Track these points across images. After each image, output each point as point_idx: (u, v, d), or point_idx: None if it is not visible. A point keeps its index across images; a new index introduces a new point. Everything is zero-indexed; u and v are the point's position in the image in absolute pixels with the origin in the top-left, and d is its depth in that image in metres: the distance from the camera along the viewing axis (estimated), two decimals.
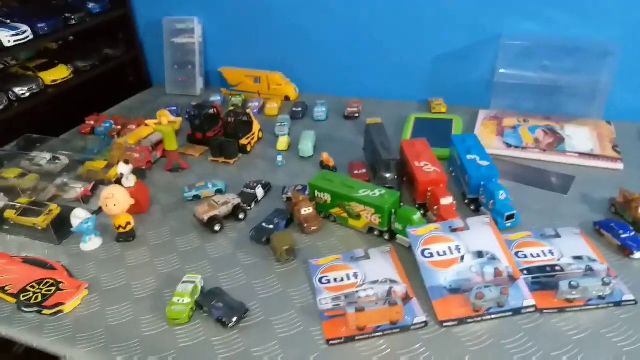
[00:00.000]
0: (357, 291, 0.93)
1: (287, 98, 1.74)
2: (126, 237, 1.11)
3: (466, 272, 0.92)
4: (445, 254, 0.96)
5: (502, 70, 1.46)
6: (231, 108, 1.49)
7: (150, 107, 1.80)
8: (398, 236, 1.04)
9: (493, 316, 0.87)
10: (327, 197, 1.11)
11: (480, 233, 0.99)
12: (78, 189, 1.25)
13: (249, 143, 1.43)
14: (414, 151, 1.20)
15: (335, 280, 0.96)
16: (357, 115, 1.59)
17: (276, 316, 0.90)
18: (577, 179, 1.21)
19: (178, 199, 1.25)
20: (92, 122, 1.65)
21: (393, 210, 1.03)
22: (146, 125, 1.38)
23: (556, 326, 0.84)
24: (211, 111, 1.48)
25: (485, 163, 1.14)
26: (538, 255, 0.97)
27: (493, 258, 0.94)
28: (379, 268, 0.98)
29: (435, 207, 1.06)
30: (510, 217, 1.05)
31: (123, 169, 1.13)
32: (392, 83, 1.68)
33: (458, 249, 0.96)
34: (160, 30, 1.85)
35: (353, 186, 1.09)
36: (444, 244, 0.97)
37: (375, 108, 1.62)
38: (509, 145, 1.34)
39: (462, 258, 0.95)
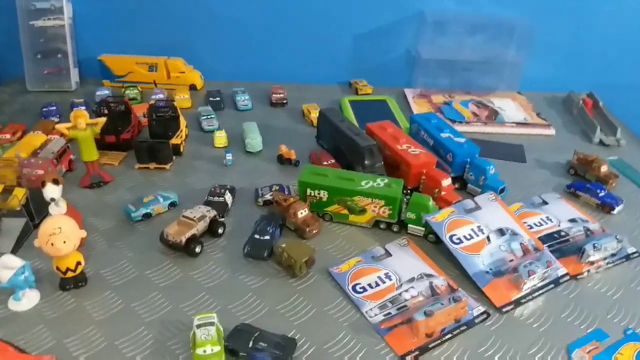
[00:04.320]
0: (399, 294, 0.83)
1: (192, 87, 1.51)
2: (76, 282, 0.82)
3: (497, 252, 0.90)
4: (471, 237, 0.91)
5: (424, 47, 1.47)
6: (151, 102, 1.21)
7: (8, 109, 1.38)
8: (410, 226, 0.96)
9: (541, 292, 0.85)
10: (323, 194, 0.97)
11: (492, 210, 0.97)
12: None
13: (182, 142, 1.19)
14: (387, 134, 1.13)
15: (370, 286, 0.85)
16: (285, 101, 1.44)
17: (328, 342, 0.75)
18: (525, 147, 1.28)
19: (119, 221, 0.97)
20: None
21: (405, 199, 0.95)
22: (54, 130, 1.04)
23: (594, 289, 0.87)
24: (122, 107, 1.19)
25: (461, 140, 1.12)
26: (541, 224, 1.00)
27: (514, 233, 0.93)
28: (407, 264, 0.89)
29: (436, 190, 1.01)
30: (502, 190, 1.06)
31: (52, 191, 0.82)
32: (312, 65, 1.57)
33: (481, 230, 0.93)
34: (11, 11, 1.41)
35: (352, 178, 0.97)
36: (467, 227, 0.93)
37: (301, 93, 1.50)
38: (453, 121, 1.35)
39: (489, 238, 0.92)
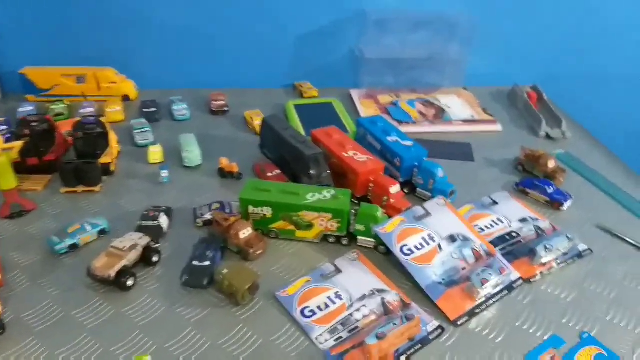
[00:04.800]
0: (350, 314, 0.79)
1: (126, 98, 1.41)
2: None
3: (450, 260, 0.87)
4: (422, 246, 0.88)
5: (367, 47, 1.43)
6: (77, 119, 1.11)
7: None
8: (360, 238, 0.92)
9: (494, 299, 0.83)
10: (267, 211, 0.91)
11: (443, 216, 0.94)
12: None
13: (112, 161, 1.10)
14: (334, 141, 1.08)
15: (320, 309, 0.80)
16: (226, 109, 1.37)
17: None
18: (473, 145, 1.26)
19: (44, 254, 0.88)
20: None
21: (352, 211, 0.91)
22: None
23: (547, 293, 0.85)
24: (45, 126, 1.09)
25: (409, 143, 1.09)
26: (492, 226, 0.97)
27: (465, 239, 0.90)
28: (358, 280, 0.85)
29: (385, 198, 0.97)
30: (452, 193, 1.03)
31: None
32: (253, 69, 1.50)
33: (432, 237, 0.89)
34: None
35: (297, 192, 0.92)
36: (417, 235, 0.89)
37: (243, 99, 1.43)
38: (400, 122, 1.32)
39: (440, 247, 0.88)
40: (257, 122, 1.27)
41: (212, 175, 1.11)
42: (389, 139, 1.09)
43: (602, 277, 0.88)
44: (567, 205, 1.03)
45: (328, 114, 1.34)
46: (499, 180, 1.13)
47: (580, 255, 0.92)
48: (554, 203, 1.04)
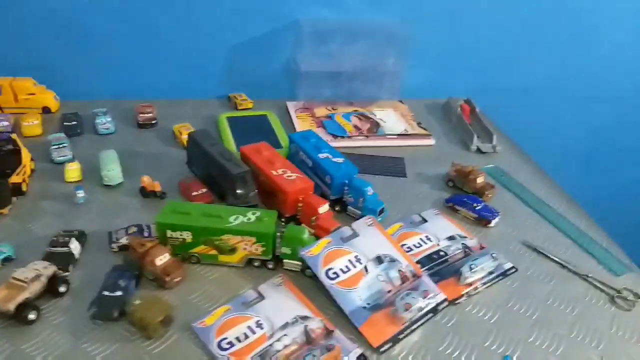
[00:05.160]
0: (271, 345, 0.75)
1: (46, 110, 1.32)
2: None
3: (376, 283, 0.85)
4: (348, 269, 0.86)
5: (304, 58, 1.40)
6: None
7: None
8: (285, 261, 0.89)
9: (419, 323, 0.82)
10: (187, 236, 0.86)
11: (370, 236, 0.92)
12: None
13: (24, 180, 1.02)
14: (262, 158, 1.04)
15: (238, 339, 0.76)
16: (154, 122, 1.31)
17: None
18: (405, 159, 1.26)
19: None
20: None
21: (278, 234, 0.87)
22: None
23: (472, 314, 0.84)
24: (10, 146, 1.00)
25: (340, 160, 1.07)
26: (420, 245, 0.97)
27: (392, 260, 0.89)
28: (282, 306, 0.82)
29: (313, 218, 0.95)
30: (381, 211, 1.02)
31: None
32: (185, 79, 1.45)
33: (358, 259, 0.87)
34: None
35: (219, 214, 0.88)
36: (344, 258, 0.87)
37: (173, 110, 1.37)
38: (335, 136, 1.30)
39: (366, 269, 0.86)
40: (185, 137, 1.21)
41: (133, 195, 1.05)
42: (320, 155, 1.07)
43: (526, 297, 0.89)
44: (494, 222, 1.04)
45: (262, 128, 1.31)
46: (430, 196, 1.13)
47: (505, 274, 0.93)
48: (482, 220, 1.04)
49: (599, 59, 1.64)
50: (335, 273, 0.84)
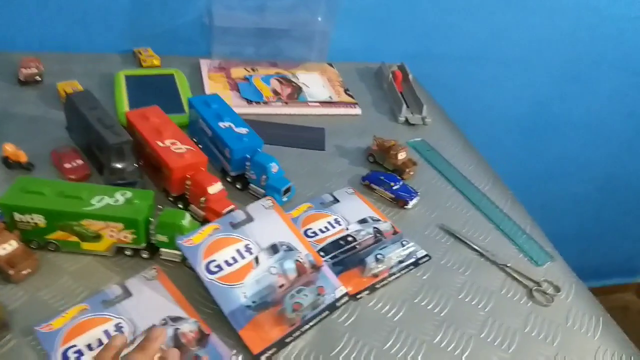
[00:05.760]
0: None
1: None
2: None
3: (267, 277, 0.73)
4: (235, 260, 0.74)
5: (219, 12, 1.24)
6: None
7: None
8: (162, 250, 0.76)
9: (311, 323, 0.71)
10: (39, 220, 0.72)
11: (267, 221, 0.80)
12: None
13: None
14: (149, 125, 0.89)
15: (90, 347, 0.63)
16: (38, 78, 1.12)
17: None
18: (327, 130, 1.14)
19: None
20: None
21: (151, 219, 0.74)
22: None
23: (374, 311, 0.75)
24: None
25: (243, 130, 0.93)
26: (327, 229, 0.86)
27: (289, 249, 0.77)
28: (150, 305, 0.69)
29: (202, 199, 0.82)
30: (287, 190, 0.90)
31: None
32: (82, 29, 1.25)
33: (249, 249, 0.76)
34: None
35: (79, 195, 0.73)
36: (231, 247, 0.75)
37: (65, 66, 1.19)
38: (249, 102, 1.16)
39: (257, 260, 0.75)
40: None
41: None
42: (221, 124, 0.93)
43: (437, 290, 0.80)
44: (412, 203, 0.94)
45: (166, 89, 1.15)
46: (348, 173, 1.02)
47: (417, 263, 0.84)
48: (399, 201, 0.94)
49: (538, 27, 1.54)
50: (218, 266, 0.72)
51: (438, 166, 1.07)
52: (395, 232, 0.87)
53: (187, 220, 0.75)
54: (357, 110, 1.21)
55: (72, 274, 0.73)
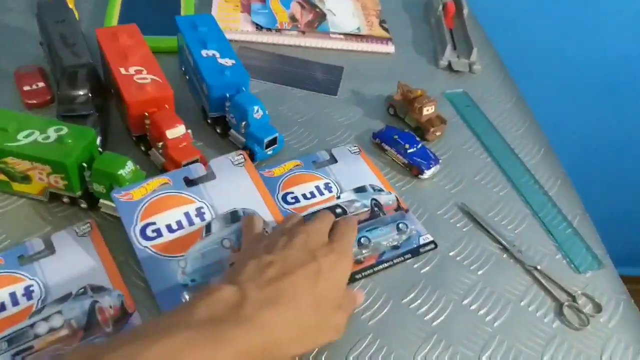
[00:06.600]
0: (32, 325, 0.53)
1: None
2: None
3: (216, 250, 0.59)
4: (181, 226, 0.60)
5: None
6: None
7: None
8: (102, 201, 0.63)
9: None
10: None
11: (232, 180, 0.65)
12: None
13: None
14: (117, 47, 0.74)
15: None
16: None
17: None
18: (345, 70, 0.94)
19: None
20: None
21: (85, 164, 0.61)
22: None
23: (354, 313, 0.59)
24: None
25: (229, 62, 0.76)
26: (313, 196, 0.69)
27: (246, 214, 0.62)
28: (72, 269, 0.58)
29: (160, 144, 0.68)
30: (272, 142, 0.73)
31: None
32: None
33: (201, 214, 0.61)
34: None
35: (5, 126, 0.61)
36: (179, 209, 0.61)
37: None
38: (258, 27, 0.98)
39: (208, 227, 0.61)
40: None
41: None
42: (204, 52, 0.77)
43: (436, 289, 0.62)
44: (429, 172, 0.75)
45: (167, 6, 0.99)
46: (358, 125, 0.83)
47: (417, 251, 0.66)
48: (413, 167, 0.75)
49: None
50: (157, 231, 0.59)
51: (475, 127, 0.86)
52: (398, 208, 0.70)
53: (127, 169, 0.61)
54: (389, 48, 1.00)
55: None
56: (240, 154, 0.68)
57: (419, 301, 0.61)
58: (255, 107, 0.71)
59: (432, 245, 0.67)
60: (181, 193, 0.62)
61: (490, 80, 0.97)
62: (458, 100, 0.91)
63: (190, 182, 0.63)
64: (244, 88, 0.75)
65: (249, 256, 0.51)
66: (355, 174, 0.73)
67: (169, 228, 0.59)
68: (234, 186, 0.65)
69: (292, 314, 0.46)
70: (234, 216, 0.62)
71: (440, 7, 1.07)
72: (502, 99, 0.93)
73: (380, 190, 0.72)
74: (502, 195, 0.75)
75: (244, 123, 0.72)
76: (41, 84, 0.77)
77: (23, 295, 0.55)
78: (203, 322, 0.42)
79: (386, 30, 1.03)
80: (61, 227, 0.62)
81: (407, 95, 0.82)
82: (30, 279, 0.56)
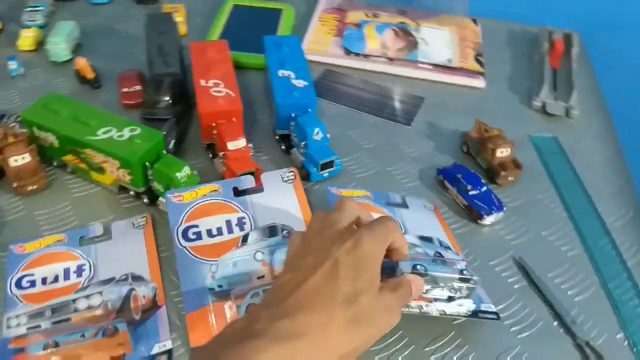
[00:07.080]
0: (74, 300, 0.59)
1: None
2: None
3: (248, 262, 0.61)
4: (221, 232, 0.63)
5: None
6: None
7: None
8: (160, 199, 0.69)
9: None
10: (53, 140, 0.70)
11: (279, 196, 0.67)
12: None
13: None
14: (204, 61, 0.81)
15: (44, 281, 0.60)
16: None
17: None
18: (426, 101, 0.92)
19: None
20: None
21: (148, 164, 0.67)
22: None
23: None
24: None
25: (301, 83, 0.79)
26: None
27: (290, 235, 0.63)
28: (121, 256, 0.63)
29: (221, 154, 0.72)
30: (328, 164, 0.74)
31: None
32: None
33: (242, 224, 0.64)
34: None
35: (89, 122, 0.69)
36: (222, 216, 0.64)
37: None
38: (348, 52, 0.99)
39: (245, 238, 0.63)
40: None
41: (73, 78, 0.91)
42: (280, 72, 0.80)
43: (466, 343, 0.57)
44: (490, 218, 0.70)
45: (267, 25, 1.05)
46: (426, 160, 0.80)
47: (476, 313, 0.58)
48: (472, 211, 0.71)
49: None
50: (197, 234, 0.62)
51: (558, 177, 0.78)
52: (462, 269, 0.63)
53: (183, 173, 0.65)
54: (479, 82, 0.96)
55: (74, 201, 0.70)
56: (292, 171, 0.69)
57: (443, 353, 0.57)
58: (316, 129, 0.73)
59: (494, 316, 0.57)
60: (228, 201, 0.65)
61: (587, 128, 0.88)
62: (545, 146, 0.84)
63: (238, 192, 0.66)
64: (309, 109, 0.76)
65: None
66: (425, 224, 0.68)
67: (209, 233, 0.63)
68: (278, 201, 0.66)
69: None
70: (272, 231, 0.63)
71: (547, 44, 1.00)
72: (597, 150, 0.84)
73: (448, 247, 0.66)
74: (570, 256, 0.68)
75: (303, 143, 0.74)
76: (138, 87, 0.86)
77: (74, 272, 0.61)
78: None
79: (481, 63, 0.99)
80: (123, 217, 0.68)
81: (482, 133, 0.78)
82: (84, 259, 0.63)
